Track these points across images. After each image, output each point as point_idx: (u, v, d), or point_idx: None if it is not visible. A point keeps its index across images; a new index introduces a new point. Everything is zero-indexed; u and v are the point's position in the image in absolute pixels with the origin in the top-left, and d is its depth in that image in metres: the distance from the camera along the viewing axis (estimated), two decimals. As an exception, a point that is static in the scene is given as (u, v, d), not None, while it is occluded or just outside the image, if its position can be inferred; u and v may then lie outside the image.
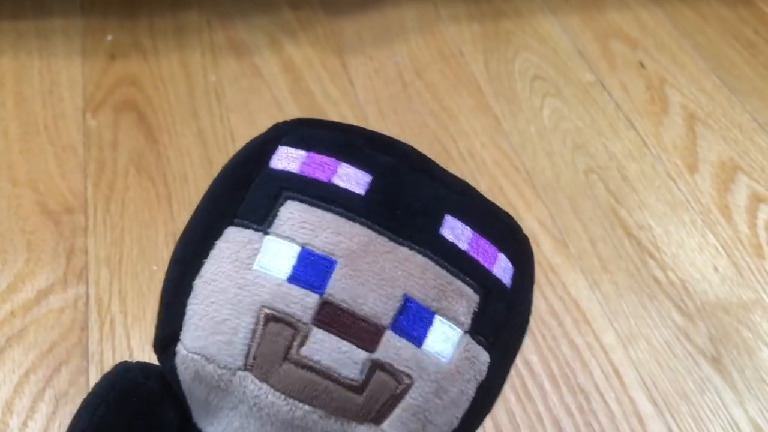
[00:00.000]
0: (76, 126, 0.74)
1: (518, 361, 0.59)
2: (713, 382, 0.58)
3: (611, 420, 0.56)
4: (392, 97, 0.80)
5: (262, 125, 0.75)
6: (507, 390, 0.57)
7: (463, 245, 0.39)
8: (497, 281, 0.39)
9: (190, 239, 0.40)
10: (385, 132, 0.76)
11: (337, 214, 0.37)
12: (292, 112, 0.77)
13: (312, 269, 0.36)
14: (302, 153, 0.39)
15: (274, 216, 0.37)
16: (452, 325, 0.37)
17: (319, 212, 0.37)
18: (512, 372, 0.58)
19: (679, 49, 0.87)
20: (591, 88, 0.82)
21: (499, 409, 0.56)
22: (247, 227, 0.37)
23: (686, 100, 0.81)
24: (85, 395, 0.54)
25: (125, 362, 0.40)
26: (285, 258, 0.36)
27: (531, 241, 0.67)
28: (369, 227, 0.37)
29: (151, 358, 0.57)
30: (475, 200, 0.42)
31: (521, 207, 0.70)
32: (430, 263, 0.37)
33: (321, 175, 0.38)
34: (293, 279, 0.36)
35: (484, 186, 0.72)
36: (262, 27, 0.87)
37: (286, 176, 0.39)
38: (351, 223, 0.37)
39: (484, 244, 0.39)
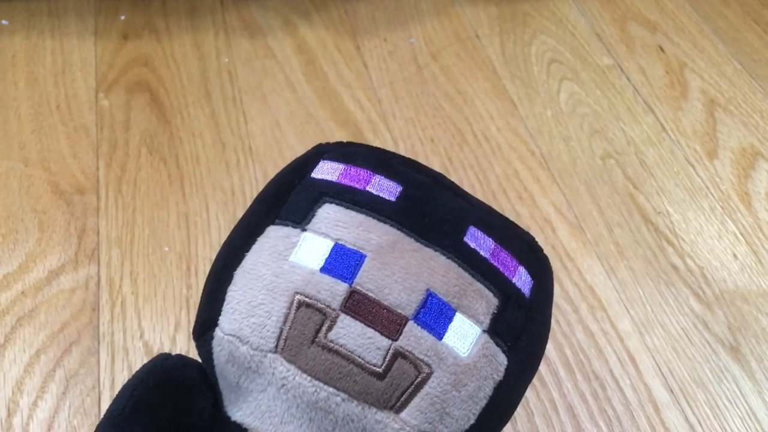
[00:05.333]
0: (88, 106, 0.74)
1: (532, 347, 0.58)
2: (731, 371, 0.57)
3: (626, 407, 0.55)
4: (406, 80, 0.79)
5: (275, 107, 0.75)
6: (521, 376, 0.56)
7: (485, 253, 0.41)
8: (516, 290, 0.41)
9: (235, 237, 0.42)
10: (400, 115, 0.76)
11: (369, 215, 0.40)
12: (306, 94, 0.76)
13: (343, 261, 0.38)
14: (341, 166, 0.43)
15: (312, 215, 0.40)
16: (471, 323, 0.39)
17: (353, 213, 0.40)
18: (526, 358, 0.57)
19: (699, 33, 0.86)
20: (609, 71, 0.81)
21: (512, 395, 0.55)
22: (286, 225, 0.40)
23: (706, 85, 0.80)
24: (95, 375, 0.54)
25: (165, 353, 0.41)
26: (319, 251, 0.39)
27: (547, 226, 0.67)
28: (397, 228, 0.40)
29: (162, 339, 0.57)
30: (499, 218, 0.44)
31: (537, 192, 0.69)
32: (453, 264, 0.39)
33: (356, 184, 0.42)
34: (326, 269, 0.38)
35: (499, 170, 0.71)
36: (276, 8, 0.86)
37: (325, 184, 0.42)
38: (381, 223, 0.40)
39: (505, 256, 0.42)
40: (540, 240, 0.65)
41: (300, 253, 0.39)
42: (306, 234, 0.40)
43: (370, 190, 0.41)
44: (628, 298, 0.61)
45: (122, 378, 0.54)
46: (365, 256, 0.38)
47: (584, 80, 0.80)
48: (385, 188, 0.42)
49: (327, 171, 0.43)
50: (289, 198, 0.42)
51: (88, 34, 0.81)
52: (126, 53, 0.79)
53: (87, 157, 0.69)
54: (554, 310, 0.61)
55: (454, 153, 0.72)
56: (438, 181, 0.44)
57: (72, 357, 0.55)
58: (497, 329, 0.39)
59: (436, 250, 0.40)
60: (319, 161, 0.44)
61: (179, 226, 0.64)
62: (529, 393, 0.55)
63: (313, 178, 0.43)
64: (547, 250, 0.64)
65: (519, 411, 0.54)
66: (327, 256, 0.39)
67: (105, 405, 0.53)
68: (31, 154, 0.69)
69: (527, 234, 0.45)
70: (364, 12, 0.86)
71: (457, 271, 0.39)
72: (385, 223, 0.40)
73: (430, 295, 0.38)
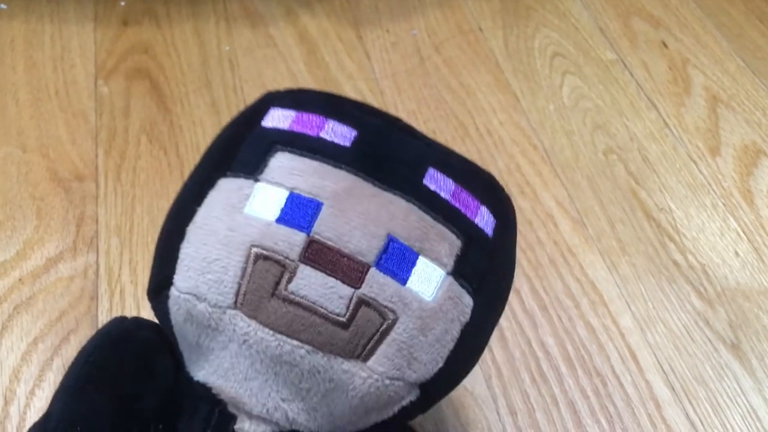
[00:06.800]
0: (87, 92, 0.73)
1: (533, 342, 0.58)
2: (732, 369, 0.57)
3: (627, 404, 0.55)
4: (409, 72, 0.78)
5: (276, 96, 0.74)
6: (522, 371, 0.56)
7: (445, 195, 0.40)
8: (479, 230, 0.40)
9: (185, 192, 0.41)
10: (402, 107, 0.75)
11: (324, 162, 0.39)
12: (307, 83, 0.76)
13: (299, 210, 0.37)
14: (292, 113, 0.41)
15: (265, 165, 0.39)
16: (435, 266, 0.38)
17: (307, 161, 0.39)
18: (527, 353, 0.57)
19: (702, 29, 0.85)
20: (612, 66, 0.81)
21: (513, 389, 0.55)
22: (238, 177, 0.39)
23: (709, 82, 0.80)
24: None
25: (121, 316, 0.41)
26: (274, 201, 0.38)
27: (549, 221, 0.66)
28: (354, 174, 0.38)
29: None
30: (459, 159, 0.43)
31: (539, 186, 0.69)
32: (414, 207, 0.38)
33: (309, 131, 0.40)
34: (281, 220, 0.37)
35: (501, 164, 0.70)
36: (278, -3, 0.85)
37: (276, 132, 0.40)
38: (336, 169, 0.38)
39: (466, 197, 0.40)
40: (542, 235, 0.65)
41: (254, 204, 0.38)
42: (259, 184, 0.38)
43: (323, 136, 0.40)
44: (630, 294, 0.61)
45: (121, 368, 0.54)
46: (322, 204, 0.37)
47: (587, 75, 0.79)
48: (339, 134, 0.40)
49: (278, 119, 0.41)
50: (239, 150, 0.40)
51: (88, 19, 0.80)
52: (126, 40, 0.78)
53: (86, 144, 0.68)
54: (555, 305, 0.60)
55: (456, 146, 0.71)
56: (393, 124, 0.42)
57: (70, 346, 0.55)
58: (462, 271, 0.38)
59: (395, 194, 0.38)
60: (270, 109, 0.42)
61: (179, 215, 0.64)
62: (530, 388, 0.55)
63: (264, 127, 0.41)
64: (549, 246, 0.64)
65: (520, 406, 0.54)
66: (282, 206, 0.37)
67: (103, 395, 0.52)
68: (30, 140, 0.68)
69: (487, 173, 0.44)
70: (367, 2, 0.85)
71: (418, 213, 0.38)
72: (340, 169, 0.39)
73: (391, 240, 0.37)
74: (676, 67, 0.81)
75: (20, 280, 0.58)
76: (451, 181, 0.40)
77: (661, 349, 0.58)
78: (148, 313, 0.57)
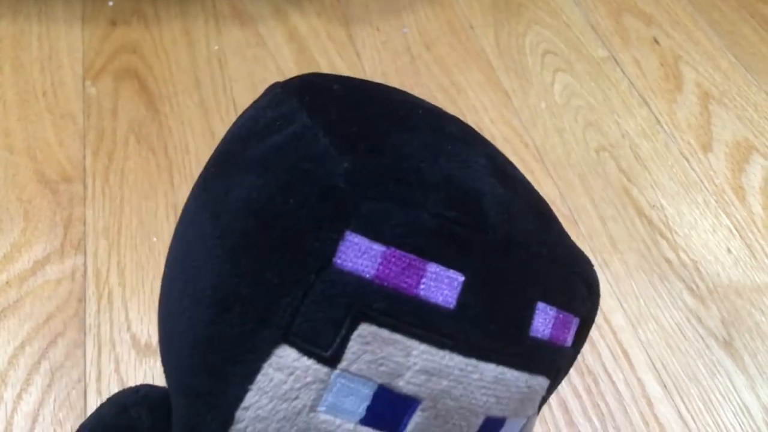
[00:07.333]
0: (75, 93, 0.72)
1: (525, 341, 0.57)
2: (724, 366, 0.57)
3: (619, 402, 0.54)
4: (399, 71, 0.78)
5: (265, 96, 0.74)
6: (513, 370, 0.56)
7: (546, 336, 0.33)
8: (567, 354, 0.35)
9: (219, 349, 0.31)
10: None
11: (423, 340, 0.30)
12: (297, 83, 0.75)
13: (389, 409, 0.31)
14: (378, 248, 0.30)
15: (343, 347, 0.30)
16: (522, 420, 0.35)
17: (400, 341, 0.30)
18: (519, 352, 0.57)
19: (694, 26, 0.85)
20: (603, 63, 0.80)
21: (505, 389, 0.55)
22: (303, 356, 0.30)
23: (701, 78, 0.79)
24: (81, 368, 0.53)
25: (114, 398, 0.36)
26: (357, 399, 0.30)
27: (540, 218, 0.66)
28: (458, 354, 0.31)
29: (149, 331, 0.56)
30: (561, 263, 0.35)
31: (530, 184, 0.68)
32: (514, 377, 0.32)
33: (403, 284, 0.30)
34: (366, 421, 0.31)
35: (492, 162, 0.70)
36: (267, -5, 0.85)
37: (357, 286, 0.30)
38: (438, 352, 0.30)
39: (565, 320, 0.34)
40: (533, 233, 0.65)
41: (331, 404, 0.30)
42: (338, 379, 0.30)
43: (422, 293, 0.30)
44: (622, 291, 0.61)
45: (108, 371, 0.53)
46: (419, 404, 0.31)
47: (579, 72, 0.79)
48: (443, 283, 0.31)
49: (357, 255, 0.30)
50: (300, 300, 0.30)
51: (76, 19, 0.79)
52: (114, 40, 0.78)
53: (74, 146, 0.68)
54: (547, 304, 0.60)
55: (447, 144, 0.71)
56: (505, 245, 0.32)
57: (57, 349, 0.54)
58: (542, 403, 0.36)
59: (497, 366, 0.32)
60: (345, 237, 0.30)
61: (168, 216, 0.63)
62: (522, 387, 0.55)
63: (339, 269, 0.30)
64: (541, 243, 0.64)
65: (511, 405, 0.54)
66: (368, 403, 0.30)
67: (91, 398, 0.52)
68: (17, 142, 0.67)
69: (587, 270, 0.36)
70: (357, 0, 0.85)
71: (517, 382, 0.33)
72: (442, 349, 0.30)
73: (487, 420, 0.33)
74: (667, 63, 0.81)
75: (7, 283, 0.58)
76: (554, 312, 0.33)
77: (653, 346, 0.58)
78: (135, 315, 0.57)
